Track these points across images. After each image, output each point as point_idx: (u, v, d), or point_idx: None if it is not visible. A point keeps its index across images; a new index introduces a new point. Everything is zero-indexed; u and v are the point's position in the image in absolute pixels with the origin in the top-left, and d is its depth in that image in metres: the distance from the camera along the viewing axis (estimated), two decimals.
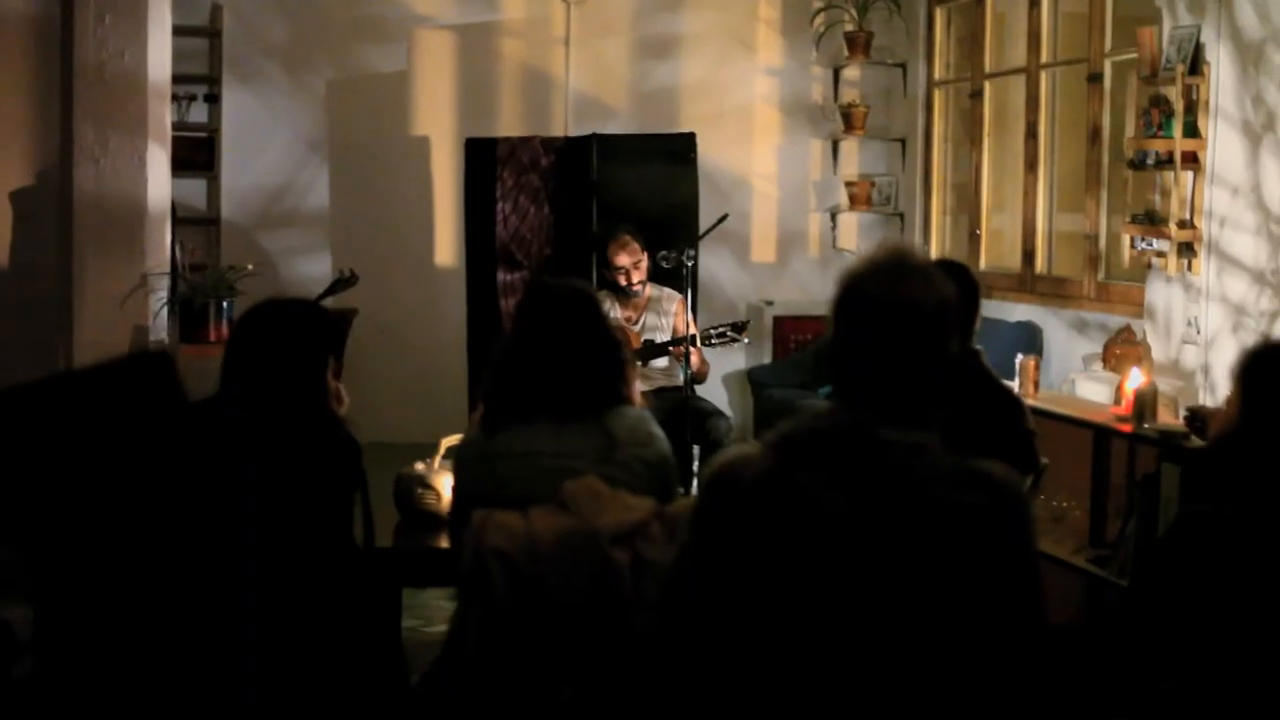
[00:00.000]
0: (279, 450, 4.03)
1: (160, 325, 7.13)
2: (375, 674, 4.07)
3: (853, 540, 2.69)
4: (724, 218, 8.26)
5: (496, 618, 3.72)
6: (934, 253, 10.46)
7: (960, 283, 4.78)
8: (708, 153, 10.19)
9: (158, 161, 7.26)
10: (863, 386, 2.81)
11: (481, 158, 9.18)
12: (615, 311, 8.06)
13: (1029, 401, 6.77)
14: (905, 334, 2.78)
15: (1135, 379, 6.44)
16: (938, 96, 10.48)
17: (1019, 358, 7.14)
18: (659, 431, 4.04)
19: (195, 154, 10.23)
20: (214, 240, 10.32)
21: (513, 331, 4.03)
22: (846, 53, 10.58)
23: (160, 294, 7.17)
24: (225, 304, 7.10)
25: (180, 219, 9.81)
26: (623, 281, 7.97)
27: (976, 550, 2.71)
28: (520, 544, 3.69)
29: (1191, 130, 7.39)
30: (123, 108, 7.07)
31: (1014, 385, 7.00)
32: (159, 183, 7.28)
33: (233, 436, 4.03)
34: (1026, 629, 2.77)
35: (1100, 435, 6.53)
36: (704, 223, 8.76)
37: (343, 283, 6.97)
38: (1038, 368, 7.06)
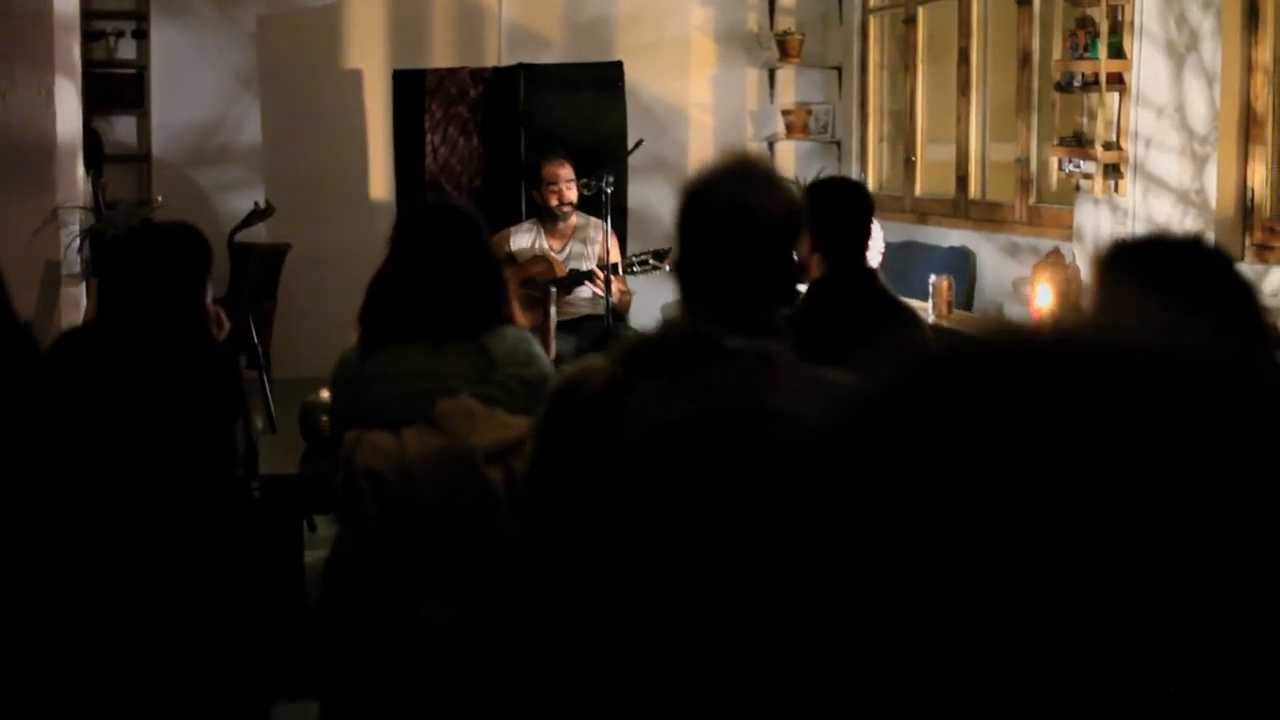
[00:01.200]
0: (154, 375, 3.97)
1: (72, 259, 7.04)
2: (261, 597, 4.03)
3: (691, 448, 2.65)
4: (639, 143, 8.18)
5: (369, 538, 3.68)
6: (871, 181, 10.40)
7: (854, 200, 4.77)
8: (643, 82, 10.11)
9: (66, 95, 7.15)
10: (708, 295, 2.75)
11: (410, 90, 9.09)
12: (541, 241, 7.98)
13: (940, 323, 6.74)
14: (750, 242, 2.72)
15: (1043, 296, 6.40)
16: (873, 23, 10.41)
17: (932, 278, 7.10)
18: (540, 351, 3.98)
19: (124, 91, 10.13)
20: (145, 177, 10.23)
21: (391, 250, 3.96)
22: None
23: (72, 228, 7.08)
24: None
25: (109, 156, 9.72)
26: (554, 201, 7.87)
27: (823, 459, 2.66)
28: (392, 464, 3.65)
29: (1116, 51, 7.34)
30: (27, 41, 6.94)
31: (928, 306, 6.97)
32: (69, 116, 7.18)
33: (107, 362, 3.97)
34: None
35: None
36: (637, 153, 8.68)
37: (258, 214, 6.90)
38: (951, 289, 7.02)
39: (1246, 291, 2.75)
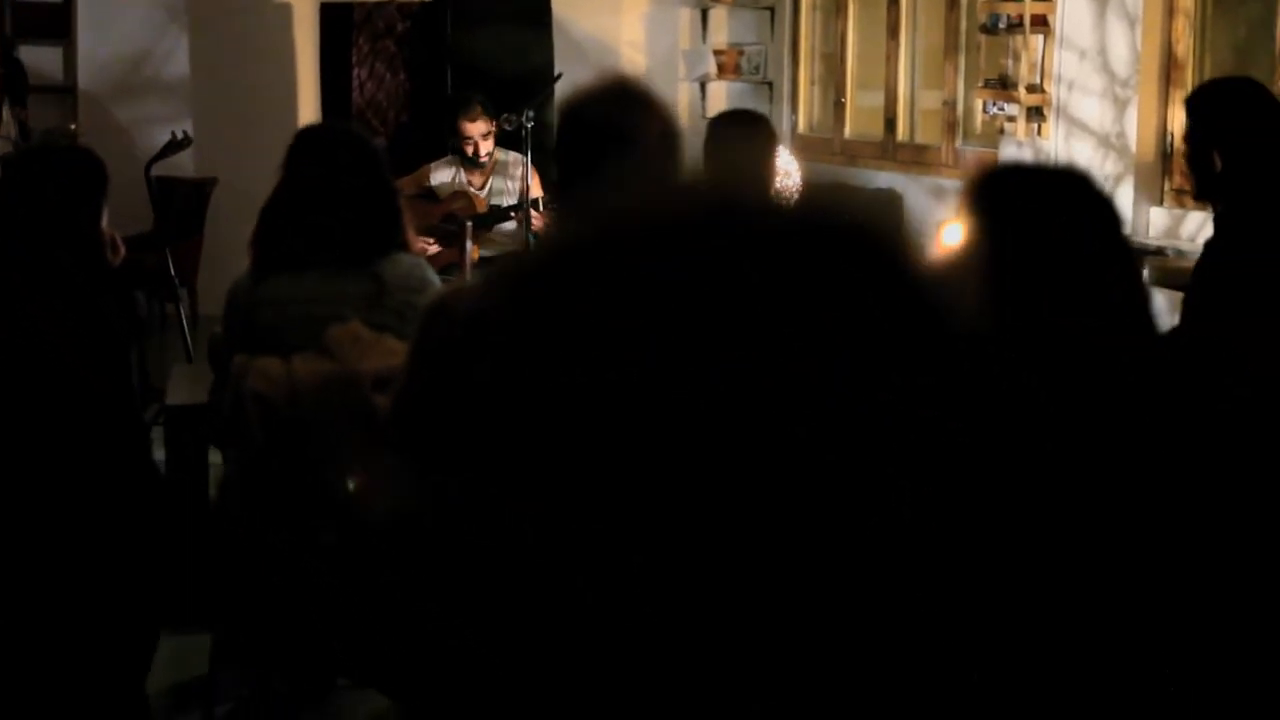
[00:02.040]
0: (43, 300, 3.92)
1: None
2: (158, 526, 3.99)
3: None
4: (558, 77, 8.13)
5: (255, 462, 3.66)
6: (801, 122, 10.39)
7: (759, 134, 4.75)
8: (575, 20, 10.06)
9: None
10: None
11: (337, 23, 9.03)
12: (461, 176, 7.95)
13: None
14: (625, 161, 2.70)
15: (951, 236, 6.39)
16: None
17: None
18: (434, 278, 3.95)
19: (50, 21, 10.01)
20: (70, 109, 10.12)
21: (282, 175, 3.92)
22: None
23: None
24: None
25: (34, 87, 9.61)
26: (470, 151, 7.84)
27: None
28: (280, 389, 3.62)
29: None
30: None
31: None
32: None
33: None
34: None
35: None
36: (563, 91, 8.63)
37: (174, 145, 6.82)
38: None
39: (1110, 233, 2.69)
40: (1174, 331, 4.59)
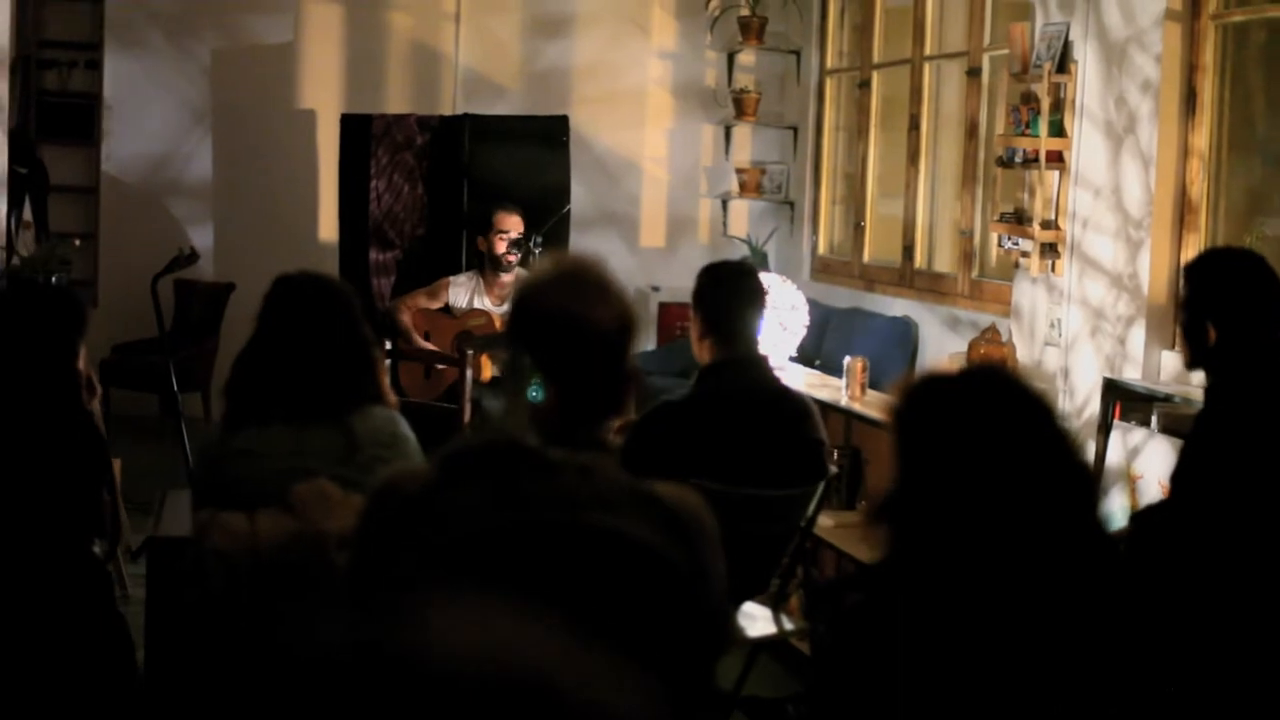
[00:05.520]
0: (19, 440, 3.89)
1: None
2: (116, 667, 3.95)
3: (503, 561, 2.57)
4: (567, 210, 8.16)
5: (213, 619, 3.60)
6: (822, 243, 10.36)
7: (744, 287, 4.71)
8: (597, 135, 10.09)
9: None
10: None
11: (357, 134, 9.02)
12: (481, 294, 7.95)
13: (854, 405, 6.67)
14: (576, 353, 2.65)
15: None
16: (830, 85, 10.37)
17: (846, 359, 7.02)
18: (407, 433, 3.90)
19: (76, 121, 10.07)
20: (93, 209, 10.16)
21: (255, 326, 3.88)
22: (740, 38, 10.46)
23: None
24: (55, 279, 6.93)
25: (56, 187, 9.65)
26: (500, 249, 7.85)
27: (634, 577, 2.59)
28: (242, 546, 3.57)
29: (1058, 129, 7.30)
30: None
31: (841, 385, 6.89)
32: None
33: None
34: (700, 653, 2.66)
35: None
36: (583, 206, 8.67)
37: (180, 261, 6.82)
38: (865, 370, 6.94)
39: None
40: (1153, 509, 4.53)
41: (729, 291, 4.72)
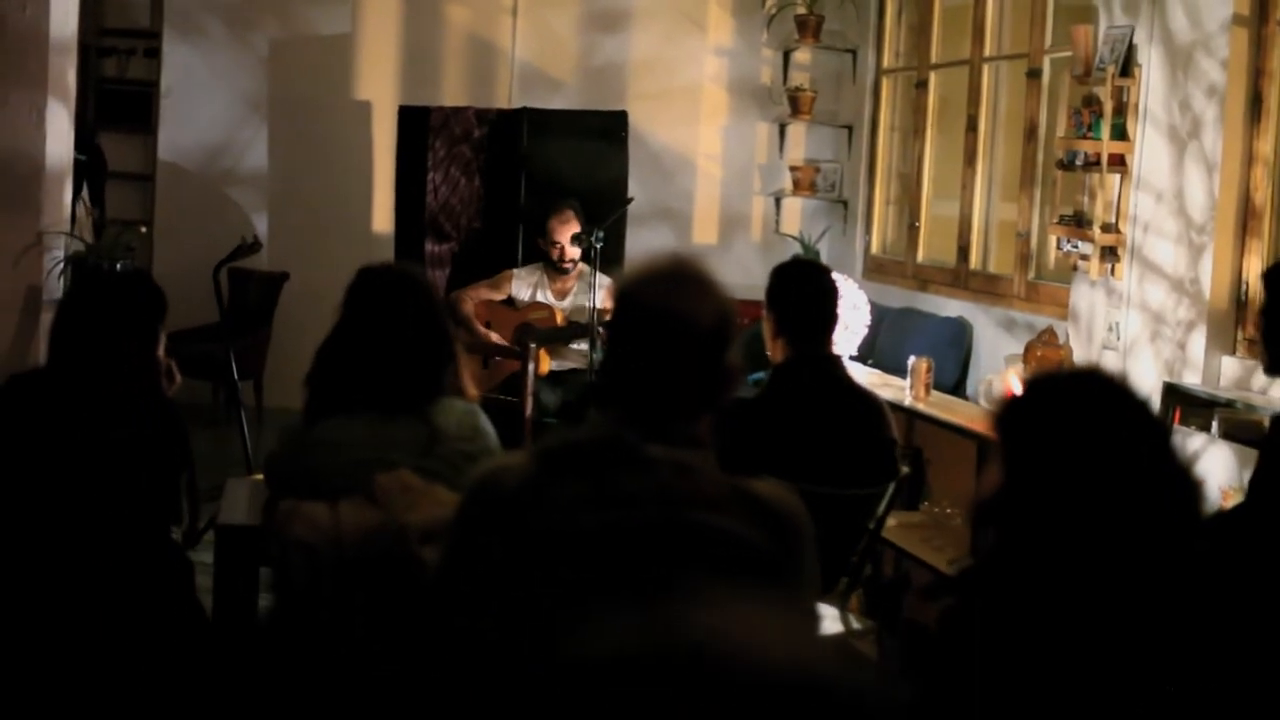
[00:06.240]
0: (100, 426, 3.92)
1: (54, 285, 6.98)
2: (183, 656, 3.96)
3: (605, 559, 2.59)
4: (629, 201, 8.16)
5: (296, 610, 3.62)
6: (875, 243, 10.36)
7: (817, 287, 4.71)
8: (652, 130, 10.09)
9: (58, 118, 7.09)
10: (630, 399, 2.69)
11: (415, 126, 9.04)
12: (544, 288, 7.96)
13: (919, 406, 6.66)
14: (676, 349, 2.65)
15: (1015, 387, 6.32)
16: (886, 84, 10.36)
17: (911, 359, 7.01)
18: (488, 426, 3.91)
19: (134, 109, 10.11)
20: (149, 197, 10.21)
21: (338, 317, 3.89)
22: (797, 36, 10.45)
23: (56, 253, 7.02)
24: (119, 265, 6.96)
25: (114, 174, 9.70)
26: (555, 255, 7.88)
27: (733, 575, 2.60)
28: (325, 537, 3.58)
29: (1120, 132, 7.29)
30: (22, 63, 6.88)
31: (905, 385, 6.88)
32: (59, 139, 7.11)
33: (52, 410, 3.92)
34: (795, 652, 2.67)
35: (983, 444, 6.42)
36: (637, 201, 8.67)
37: (244, 249, 6.84)
38: (930, 370, 6.92)
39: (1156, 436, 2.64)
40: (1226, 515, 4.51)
41: (803, 290, 4.72)
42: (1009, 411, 2.67)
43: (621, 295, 2.72)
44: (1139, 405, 2.61)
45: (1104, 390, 2.62)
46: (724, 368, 2.71)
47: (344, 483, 3.68)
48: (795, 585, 2.73)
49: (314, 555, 3.58)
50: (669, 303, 2.66)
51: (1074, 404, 2.60)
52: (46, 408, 3.95)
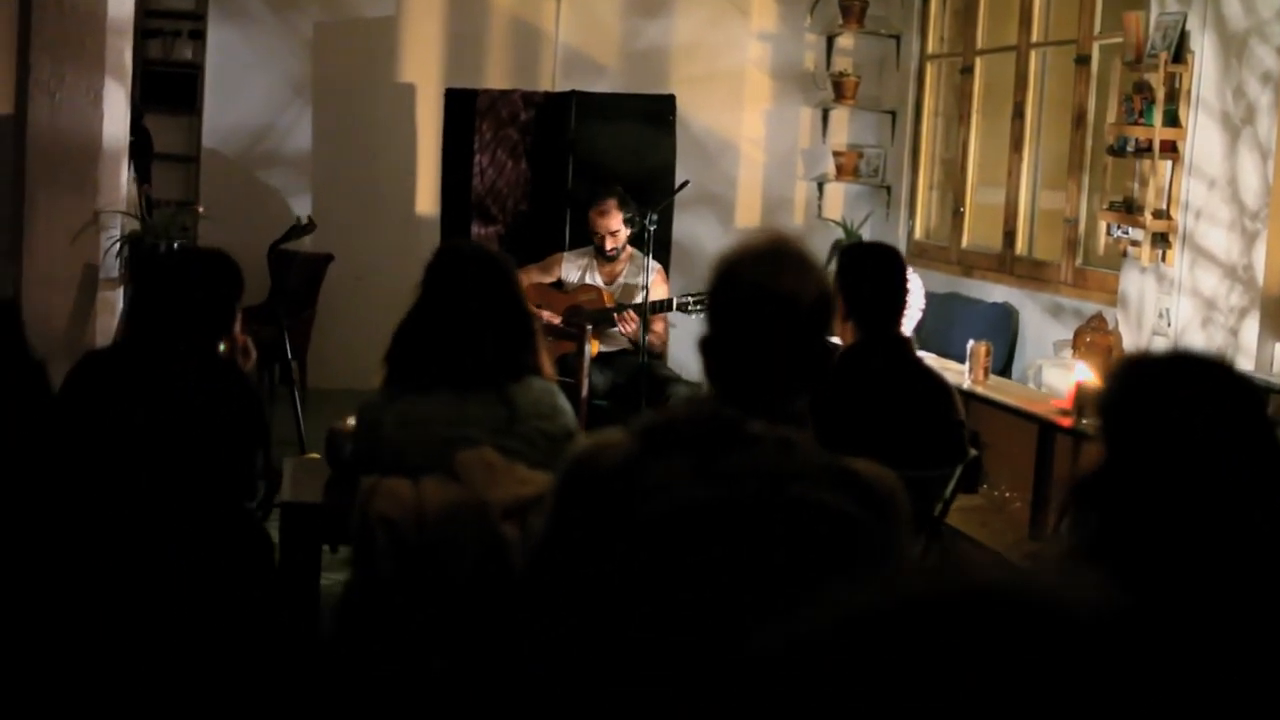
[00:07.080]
0: (175, 401, 3.95)
1: (111, 264, 7.02)
2: (268, 630, 3.99)
3: (708, 534, 2.60)
4: (684, 184, 8.15)
5: (379, 585, 3.64)
6: (919, 229, 10.36)
7: (887, 269, 4.72)
8: (696, 115, 10.09)
9: (115, 98, 7.13)
10: (732, 377, 2.71)
11: (461, 109, 9.06)
12: (594, 271, 7.98)
13: (978, 389, 6.67)
14: (778, 326, 2.67)
15: (1082, 373, 6.33)
16: (930, 70, 10.35)
17: (970, 343, 7.02)
18: (565, 405, 3.94)
19: (178, 90, 10.14)
20: (193, 179, 10.24)
21: (419, 294, 3.92)
22: (840, 21, 10.44)
23: (112, 232, 7.06)
24: (176, 245, 6.99)
25: (159, 155, 9.72)
26: (600, 244, 7.90)
27: (836, 550, 2.62)
28: (408, 513, 3.61)
29: (1172, 119, 7.28)
30: (80, 43, 6.92)
31: (964, 369, 6.89)
32: (116, 119, 7.15)
33: (130, 386, 3.95)
34: None
35: (1044, 428, 6.43)
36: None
37: (299, 229, 6.87)
38: (989, 354, 6.93)
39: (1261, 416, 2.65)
40: None
41: (871, 273, 4.73)
42: (1112, 392, 2.68)
43: (722, 273, 2.73)
44: (1243, 384, 2.61)
45: (1207, 369, 2.63)
46: (823, 345, 2.73)
47: (425, 460, 3.71)
48: (892, 561, 2.74)
49: (396, 531, 3.61)
50: (771, 281, 2.67)
51: (1179, 383, 2.61)
52: (125, 384, 3.97)
